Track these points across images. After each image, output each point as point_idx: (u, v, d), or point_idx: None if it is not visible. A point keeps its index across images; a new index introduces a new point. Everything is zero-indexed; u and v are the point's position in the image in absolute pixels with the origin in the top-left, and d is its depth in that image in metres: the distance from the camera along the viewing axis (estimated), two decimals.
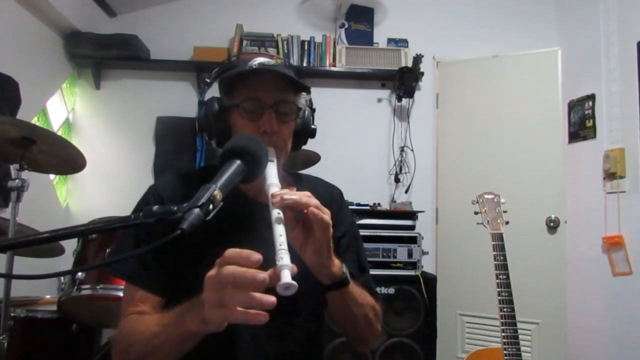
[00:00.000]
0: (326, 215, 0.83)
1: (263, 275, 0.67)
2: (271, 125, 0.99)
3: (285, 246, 0.74)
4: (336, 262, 0.91)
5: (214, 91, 1.11)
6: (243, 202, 1.06)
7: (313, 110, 1.14)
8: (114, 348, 0.94)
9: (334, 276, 0.91)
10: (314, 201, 0.83)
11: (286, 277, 0.69)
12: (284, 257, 0.72)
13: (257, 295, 0.67)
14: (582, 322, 2.81)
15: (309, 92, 1.11)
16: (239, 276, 0.67)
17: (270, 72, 1.00)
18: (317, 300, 1.00)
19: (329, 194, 1.17)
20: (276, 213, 0.80)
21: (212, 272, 0.71)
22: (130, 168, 3.23)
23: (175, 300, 0.85)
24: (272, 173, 0.89)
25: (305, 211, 0.83)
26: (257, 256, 0.68)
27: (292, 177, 1.17)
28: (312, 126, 1.13)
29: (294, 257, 0.74)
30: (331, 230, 0.85)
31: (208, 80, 1.12)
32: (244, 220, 1.04)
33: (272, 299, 0.67)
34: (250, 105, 1.00)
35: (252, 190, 1.07)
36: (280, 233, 0.76)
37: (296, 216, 0.83)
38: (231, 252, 0.70)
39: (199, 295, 0.73)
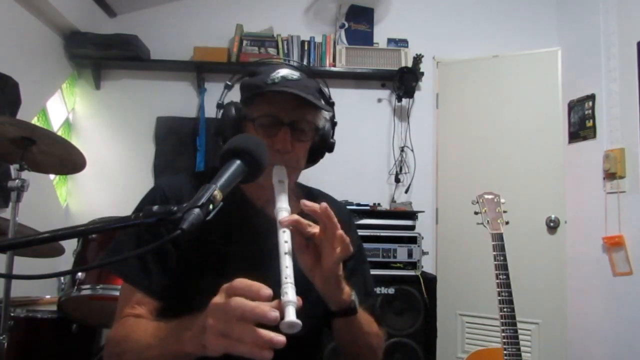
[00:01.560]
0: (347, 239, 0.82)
1: (274, 314, 0.63)
2: (285, 145, 0.97)
3: (291, 279, 0.71)
4: (346, 289, 0.88)
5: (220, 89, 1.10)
6: (250, 212, 1.05)
7: (334, 124, 1.11)
8: (107, 349, 0.93)
9: (343, 303, 0.89)
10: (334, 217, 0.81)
11: (290, 315, 0.65)
12: (289, 292, 0.68)
13: (266, 333, 0.63)
14: (582, 322, 2.81)
15: (331, 110, 1.07)
16: (248, 311, 0.64)
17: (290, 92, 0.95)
18: (318, 316, 0.98)
19: (338, 214, 1.15)
20: (283, 242, 0.76)
21: (218, 300, 0.67)
22: (130, 168, 3.23)
23: (174, 307, 0.83)
24: (282, 196, 0.86)
25: (314, 233, 0.81)
26: (267, 291, 0.65)
27: (302, 191, 1.15)
28: (331, 140, 1.10)
29: (298, 273, 0.71)
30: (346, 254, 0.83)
31: (229, 83, 1.11)
32: (251, 230, 1.02)
33: (282, 338, 0.63)
34: (266, 121, 0.98)
35: (261, 200, 1.05)
36: (286, 265, 0.73)
37: (306, 241, 0.81)
38: (240, 282, 0.67)
39: (199, 315, 0.70)
